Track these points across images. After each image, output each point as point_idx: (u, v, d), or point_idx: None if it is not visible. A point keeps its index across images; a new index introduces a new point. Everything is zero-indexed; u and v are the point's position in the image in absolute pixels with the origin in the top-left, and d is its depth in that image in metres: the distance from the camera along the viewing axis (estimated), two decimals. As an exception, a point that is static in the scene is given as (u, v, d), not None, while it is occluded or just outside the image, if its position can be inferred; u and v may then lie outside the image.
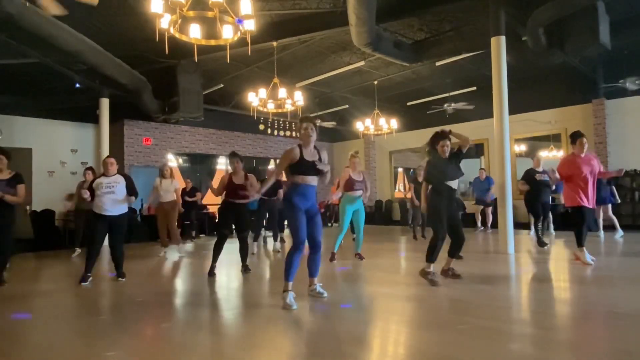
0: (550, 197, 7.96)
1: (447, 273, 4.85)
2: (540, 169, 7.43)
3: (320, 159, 3.95)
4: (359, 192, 6.30)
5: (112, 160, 5.49)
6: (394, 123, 11.35)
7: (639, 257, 6.35)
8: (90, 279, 5.26)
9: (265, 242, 8.78)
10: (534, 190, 7.31)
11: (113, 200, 5.26)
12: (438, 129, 4.98)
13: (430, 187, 4.86)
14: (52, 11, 5.11)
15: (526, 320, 3.44)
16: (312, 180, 3.95)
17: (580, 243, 5.57)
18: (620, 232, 8.50)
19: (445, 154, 4.76)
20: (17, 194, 5.17)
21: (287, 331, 3.30)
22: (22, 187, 5.23)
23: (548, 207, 7.62)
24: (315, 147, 3.99)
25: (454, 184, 4.77)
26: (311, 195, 3.98)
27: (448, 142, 4.76)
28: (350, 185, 6.27)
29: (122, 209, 5.39)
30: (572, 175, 5.56)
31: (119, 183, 5.34)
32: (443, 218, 4.67)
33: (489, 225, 10.71)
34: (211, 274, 5.53)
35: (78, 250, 8.07)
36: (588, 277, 5.02)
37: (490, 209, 10.71)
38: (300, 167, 3.86)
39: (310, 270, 4.11)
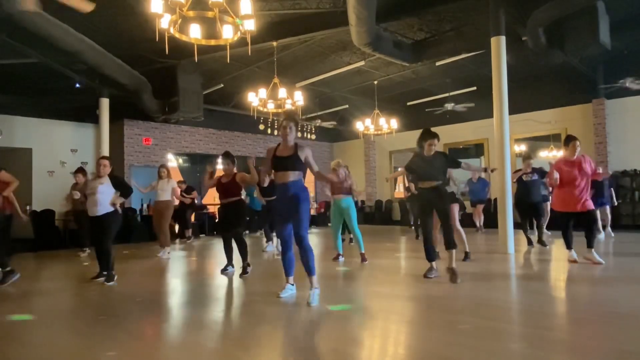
0: (544, 197, 7.99)
1: (449, 271, 4.84)
2: (529, 170, 7.50)
3: (296, 156, 3.95)
4: (343, 196, 6.33)
5: (105, 162, 5.41)
6: (394, 123, 11.35)
7: (638, 257, 6.35)
8: (115, 277, 5.30)
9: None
10: (522, 190, 7.36)
11: (94, 201, 5.22)
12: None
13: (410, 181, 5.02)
14: (85, 9, 5.06)
15: (526, 320, 3.44)
16: (285, 176, 3.98)
17: (568, 246, 5.82)
18: (603, 234, 8.65)
19: (430, 153, 4.84)
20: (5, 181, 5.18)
21: (287, 331, 3.30)
22: (3, 173, 5.24)
23: (539, 206, 7.63)
24: (295, 145, 4.03)
25: (433, 182, 4.84)
26: (288, 192, 3.96)
27: (435, 141, 4.84)
28: (333, 189, 6.39)
29: (106, 208, 5.26)
30: (561, 179, 5.62)
31: (102, 184, 5.27)
32: (426, 215, 4.88)
33: (481, 224, 10.71)
34: (223, 271, 5.62)
35: (87, 250, 8.07)
36: (588, 277, 5.02)
37: (481, 207, 10.68)
38: (274, 163, 4.04)
39: (304, 268, 4.01)
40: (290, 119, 4.09)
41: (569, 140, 5.68)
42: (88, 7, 5.03)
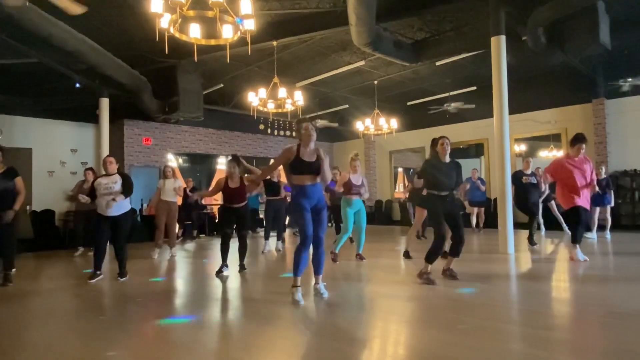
0: (544, 198, 8.03)
1: (445, 273, 4.86)
2: (528, 172, 7.59)
3: (319, 161, 4.00)
4: (357, 197, 6.31)
5: (112, 159, 5.51)
6: (394, 123, 11.34)
7: (638, 257, 6.35)
8: (101, 276, 5.36)
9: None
10: (521, 192, 7.40)
11: (110, 201, 5.25)
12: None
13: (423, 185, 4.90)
14: (74, 11, 5.06)
15: (526, 320, 3.44)
16: (311, 179, 4.01)
17: (574, 240, 5.72)
18: (594, 233, 8.60)
19: (445, 154, 4.75)
20: (17, 188, 5.18)
21: (287, 331, 3.30)
22: (20, 180, 5.24)
23: (537, 207, 7.71)
24: (316, 150, 4.05)
25: (445, 192, 4.76)
26: (315, 194, 4.03)
27: (447, 140, 4.79)
28: (348, 188, 6.29)
29: (123, 208, 5.40)
30: (563, 178, 5.66)
31: (117, 183, 5.35)
32: (442, 218, 4.70)
33: (482, 225, 10.72)
34: (219, 273, 5.55)
35: (81, 249, 8.09)
36: (588, 276, 5.02)
37: (482, 210, 10.69)
38: (297, 166, 3.97)
39: (314, 267, 4.15)
40: (311, 122, 4.12)
41: (577, 141, 5.66)
42: (78, 10, 5.01)
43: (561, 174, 5.71)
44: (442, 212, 4.71)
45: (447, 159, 4.77)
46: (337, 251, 6.44)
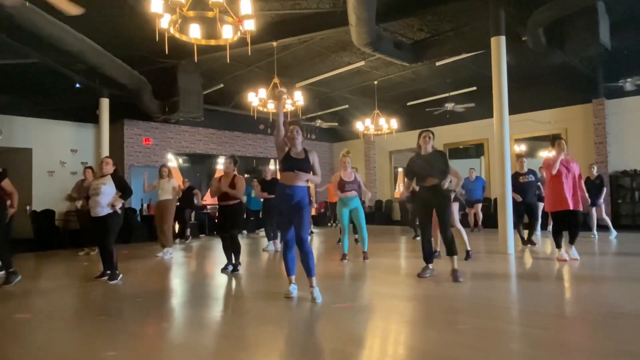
0: (538, 197, 8.01)
1: (452, 272, 4.82)
2: (524, 171, 7.58)
3: (307, 159, 4.07)
4: (351, 193, 6.32)
5: (108, 160, 5.49)
6: (394, 123, 11.35)
7: (638, 257, 6.35)
8: (120, 275, 5.31)
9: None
10: (518, 191, 7.43)
11: (96, 202, 5.23)
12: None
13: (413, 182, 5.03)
14: (71, 12, 5.05)
15: (526, 320, 3.44)
16: (295, 178, 4.04)
17: (557, 246, 5.95)
18: (614, 233, 8.52)
19: (425, 148, 4.85)
20: (7, 192, 5.15)
21: (287, 331, 3.30)
22: (7, 182, 5.21)
23: (534, 207, 7.69)
24: (304, 150, 4.15)
25: (433, 180, 4.79)
26: (294, 194, 4.04)
27: (430, 134, 4.86)
28: (341, 186, 6.32)
29: (107, 209, 5.27)
30: (552, 177, 5.78)
31: (105, 184, 5.28)
32: (424, 213, 4.89)
33: (480, 224, 10.73)
34: (224, 269, 5.70)
35: (86, 249, 8.08)
36: (587, 276, 5.02)
37: (479, 207, 10.70)
38: (286, 162, 4.08)
39: (304, 270, 4.08)
40: (296, 123, 4.20)
41: (555, 139, 6.04)
42: (75, 11, 5.00)
43: (552, 171, 5.84)
44: (429, 208, 4.83)
45: (428, 151, 4.88)
46: (345, 252, 6.48)
